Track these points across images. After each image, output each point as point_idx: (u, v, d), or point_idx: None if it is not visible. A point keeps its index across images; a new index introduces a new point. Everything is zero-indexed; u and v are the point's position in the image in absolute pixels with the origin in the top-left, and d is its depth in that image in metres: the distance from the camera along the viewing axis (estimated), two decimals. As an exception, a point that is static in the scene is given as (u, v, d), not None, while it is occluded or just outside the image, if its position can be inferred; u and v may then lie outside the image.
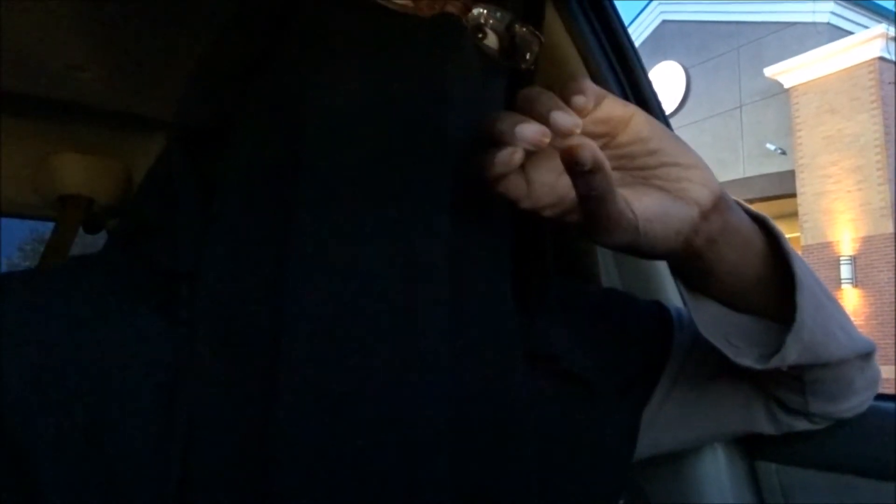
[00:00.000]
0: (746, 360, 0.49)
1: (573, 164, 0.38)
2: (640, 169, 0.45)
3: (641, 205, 0.42)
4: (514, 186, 0.41)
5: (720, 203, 0.46)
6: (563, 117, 0.38)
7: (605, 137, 0.43)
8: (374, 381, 0.39)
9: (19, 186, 1.47)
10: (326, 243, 0.40)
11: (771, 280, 0.49)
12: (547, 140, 0.38)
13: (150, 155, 1.45)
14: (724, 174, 10.31)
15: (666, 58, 11.37)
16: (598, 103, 0.42)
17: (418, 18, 0.45)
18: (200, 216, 0.43)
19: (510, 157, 0.39)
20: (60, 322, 0.38)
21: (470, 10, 0.46)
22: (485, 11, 0.47)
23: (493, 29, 0.48)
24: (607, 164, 0.38)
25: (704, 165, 0.45)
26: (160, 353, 0.39)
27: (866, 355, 0.56)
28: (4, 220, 1.73)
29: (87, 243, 1.70)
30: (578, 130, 0.38)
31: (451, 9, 0.45)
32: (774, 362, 0.48)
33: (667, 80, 11.47)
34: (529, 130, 0.38)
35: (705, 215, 0.45)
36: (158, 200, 0.45)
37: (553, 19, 0.77)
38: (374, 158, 0.42)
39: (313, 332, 0.39)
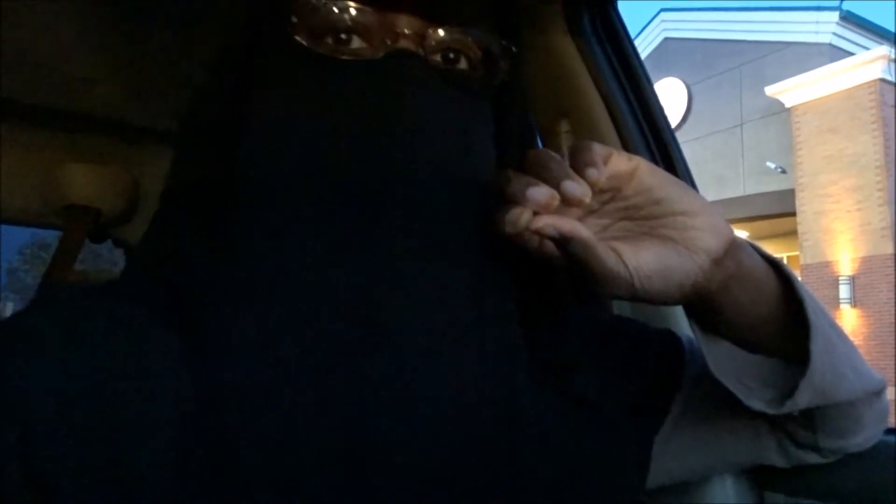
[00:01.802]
0: (758, 402, 0.49)
1: (547, 238, 0.41)
2: (647, 218, 0.45)
3: (639, 261, 0.43)
4: (527, 240, 0.43)
5: (732, 248, 0.46)
6: (574, 187, 0.40)
7: (612, 191, 0.45)
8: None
9: (27, 195, 1.48)
10: (292, 294, 0.41)
11: (783, 322, 0.50)
12: (556, 203, 0.40)
13: (157, 166, 1.46)
14: (724, 191, 10.33)
15: (668, 74, 11.43)
16: (605, 163, 0.43)
17: (371, 61, 0.45)
18: (213, 254, 0.44)
19: (519, 217, 0.41)
20: (86, 349, 0.39)
21: (424, 35, 0.46)
22: (443, 34, 0.46)
23: (460, 48, 0.48)
24: (579, 234, 0.41)
25: (713, 211, 0.46)
26: (182, 381, 0.39)
27: (876, 392, 0.56)
28: (5, 225, 1.74)
29: (90, 249, 1.70)
30: (588, 199, 0.41)
31: (404, 43, 0.45)
32: (786, 407, 0.48)
33: (669, 96, 11.51)
34: (540, 194, 0.40)
35: (717, 261, 0.45)
36: (172, 239, 0.46)
37: (567, 45, 0.78)
38: (339, 208, 0.42)
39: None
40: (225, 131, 0.47)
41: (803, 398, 0.48)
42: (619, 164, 0.44)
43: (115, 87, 1.16)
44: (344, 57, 0.45)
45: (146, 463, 0.36)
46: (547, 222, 0.41)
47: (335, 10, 0.44)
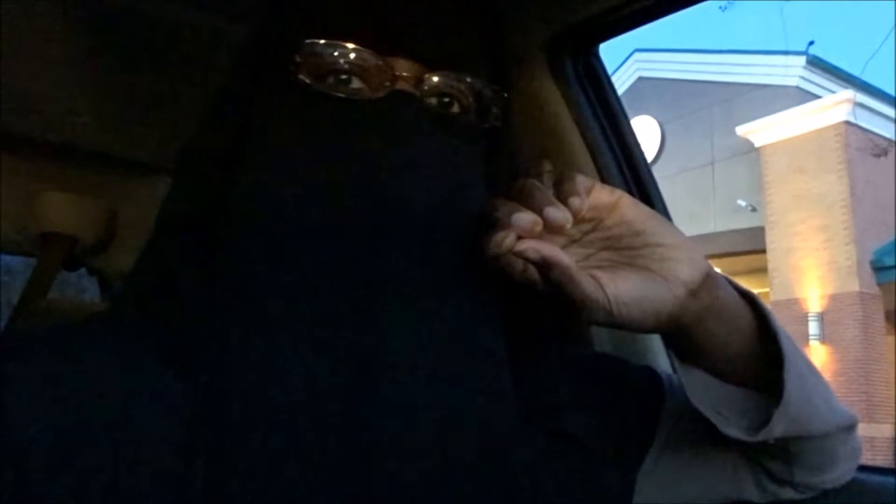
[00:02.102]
0: (734, 430, 0.51)
1: (528, 262, 0.43)
2: (627, 249, 0.47)
3: (617, 289, 0.45)
4: (511, 264, 0.44)
5: (708, 280, 0.48)
6: (556, 213, 0.42)
7: (594, 221, 0.47)
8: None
9: (3, 223, 1.46)
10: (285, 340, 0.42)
11: (758, 354, 0.51)
12: (539, 228, 0.42)
13: (138, 197, 1.45)
14: (695, 228, 10.47)
15: (642, 112, 11.62)
16: (588, 194, 0.45)
17: (370, 101, 0.47)
18: (206, 288, 0.44)
19: (503, 240, 0.43)
20: (83, 382, 0.39)
21: (421, 79, 0.48)
22: (438, 79, 0.48)
23: (454, 93, 0.50)
24: (560, 260, 0.43)
25: (690, 245, 0.48)
26: (179, 414, 0.40)
27: (848, 427, 0.58)
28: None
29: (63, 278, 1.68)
30: (570, 225, 0.42)
31: (402, 85, 0.47)
32: (762, 435, 0.50)
33: (643, 134, 11.70)
34: (523, 219, 0.42)
35: (693, 293, 0.47)
36: (162, 271, 0.46)
37: (551, 89, 0.80)
38: (339, 246, 0.44)
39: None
40: (223, 165, 0.48)
41: (778, 426, 0.49)
42: (601, 195, 0.46)
43: (100, 119, 1.16)
44: (342, 95, 0.47)
45: (147, 493, 0.37)
46: (530, 245, 0.42)
47: (338, 53, 0.46)
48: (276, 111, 0.48)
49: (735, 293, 0.52)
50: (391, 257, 0.43)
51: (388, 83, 0.47)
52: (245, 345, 0.42)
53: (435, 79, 0.48)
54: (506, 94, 0.52)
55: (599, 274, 0.45)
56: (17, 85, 0.94)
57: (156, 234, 0.48)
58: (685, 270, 0.47)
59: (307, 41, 0.46)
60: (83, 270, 1.75)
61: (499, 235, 0.43)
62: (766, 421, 0.50)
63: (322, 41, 0.46)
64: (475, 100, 0.51)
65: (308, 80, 0.47)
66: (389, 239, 0.44)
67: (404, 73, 0.47)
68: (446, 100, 0.50)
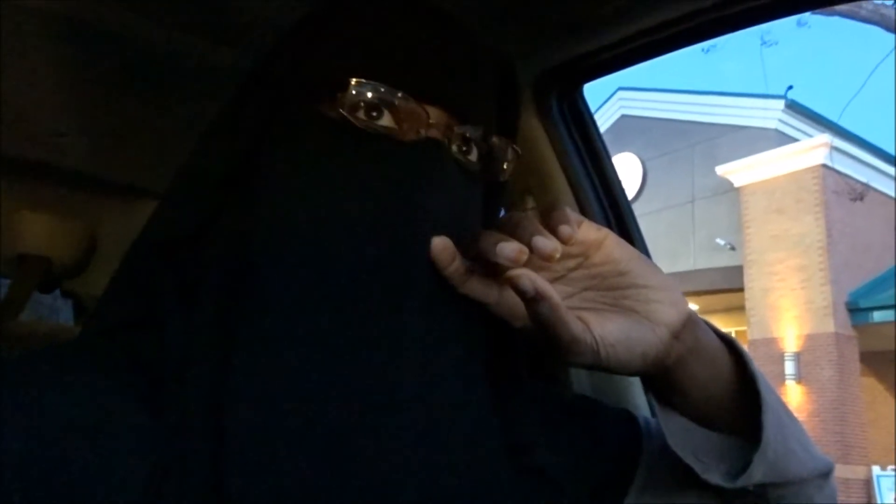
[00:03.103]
0: (714, 477, 0.50)
1: (517, 293, 0.42)
2: (611, 289, 0.47)
3: (604, 330, 0.45)
4: (482, 290, 0.45)
5: (689, 323, 0.48)
6: (545, 242, 0.41)
7: (579, 258, 0.47)
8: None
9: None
10: (287, 364, 0.41)
11: (736, 397, 0.51)
12: (524, 257, 0.41)
13: (117, 220, 1.44)
14: (675, 265, 10.57)
15: (624, 150, 11.79)
16: (577, 228, 0.45)
17: (402, 143, 0.47)
18: (184, 319, 0.43)
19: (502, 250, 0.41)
20: (49, 415, 0.38)
21: (452, 129, 0.49)
22: (465, 131, 0.50)
23: (474, 142, 0.51)
24: (552, 295, 0.42)
25: (673, 287, 0.48)
26: (146, 450, 0.38)
27: (825, 474, 0.57)
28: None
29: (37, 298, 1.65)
30: (559, 255, 0.42)
31: (433, 133, 0.48)
32: (741, 481, 0.49)
33: (625, 170, 11.86)
34: (509, 249, 0.41)
35: (676, 335, 0.47)
36: (138, 298, 0.45)
37: (535, 126, 0.81)
38: (351, 278, 0.43)
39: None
40: (222, 190, 0.48)
41: (757, 472, 0.49)
42: (588, 231, 0.46)
43: (82, 139, 1.15)
44: (377, 132, 0.47)
45: None
46: (525, 273, 0.42)
47: (383, 91, 0.47)
48: (304, 139, 0.48)
49: (715, 337, 0.52)
50: (402, 304, 0.43)
51: (422, 129, 0.47)
52: (241, 388, 0.41)
53: (462, 130, 0.49)
54: (518, 150, 0.53)
55: (586, 315, 0.45)
56: (1, 102, 0.93)
57: (134, 257, 0.47)
58: (670, 312, 0.47)
59: (354, 80, 0.46)
60: (57, 292, 1.72)
61: (504, 246, 0.41)
62: (744, 466, 0.49)
63: (368, 81, 0.46)
64: (491, 153, 0.52)
65: (346, 114, 0.47)
66: (413, 284, 0.44)
67: (437, 122, 0.48)
68: (464, 148, 0.50)
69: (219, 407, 0.40)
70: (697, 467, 0.50)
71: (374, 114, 0.47)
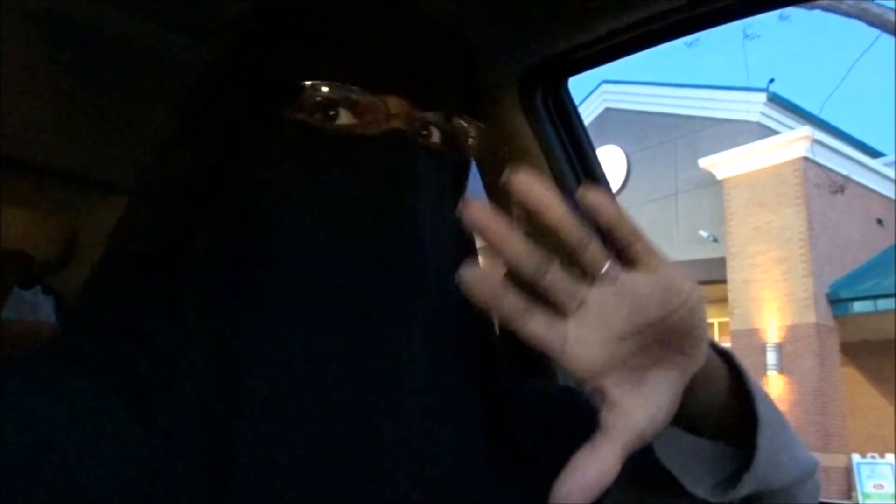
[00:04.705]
0: (701, 491, 0.50)
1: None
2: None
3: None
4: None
5: None
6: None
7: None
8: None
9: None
10: (286, 370, 0.41)
11: (731, 409, 0.51)
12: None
13: (99, 215, 1.42)
14: (659, 257, 10.61)
15: (608, 142, 11.83)
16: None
17: (365, 137, 0.47)
18: (171, 327, 0.43)
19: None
20: (38, 421, 0.37)
21: (413, 117, 0.49)
22: (427, 117, 0.49)
23: (435, 125, 0.51)
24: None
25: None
26: (135, 459, 0.38)
27: (809, 475, 0.58)
28: None
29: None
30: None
31: (395, 123, 0.47)
32: (728, 497, 0.49)
33: (609, 163, 11.91)
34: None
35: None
36: (114, 310, 0.45)
37: (520, 120, 0.81)
38: (336, 277, 0.43)
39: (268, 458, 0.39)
40: (195, 196, 0.47)
41: (745, 489, 0.49)
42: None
43: (62, 135, 1.13)
44: (335, 130, 0.47)
45: None
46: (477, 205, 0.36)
47: (337, 88, 0.46)
48: (270, 145, 0.47)
49: (713, 353, 0.52)
50: (405, 296, 0.43)
51: (383, 121, 0.47)
52: (237, 394, 0.40)
53: (424, 115, 0.49)
54: (482, 126, 0.53)
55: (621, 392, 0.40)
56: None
57: (110, 265, 0.46)
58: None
59: (308, 83, 0.46)
60: (38, 288, 1.70)
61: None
62: (730, 476, 0.49)
63: (322, 82, 0.46)
64: (454, 133, 0.52)
65: (303, 117, 0.46)
66: (404, 278, 0.44)
67: (398, 111, 0.47)
68: (424, 132, 0.50)
69: (215, 414, 0.40)
70: (686, 481, 0.50)
71: (332, 113, 0.47)
